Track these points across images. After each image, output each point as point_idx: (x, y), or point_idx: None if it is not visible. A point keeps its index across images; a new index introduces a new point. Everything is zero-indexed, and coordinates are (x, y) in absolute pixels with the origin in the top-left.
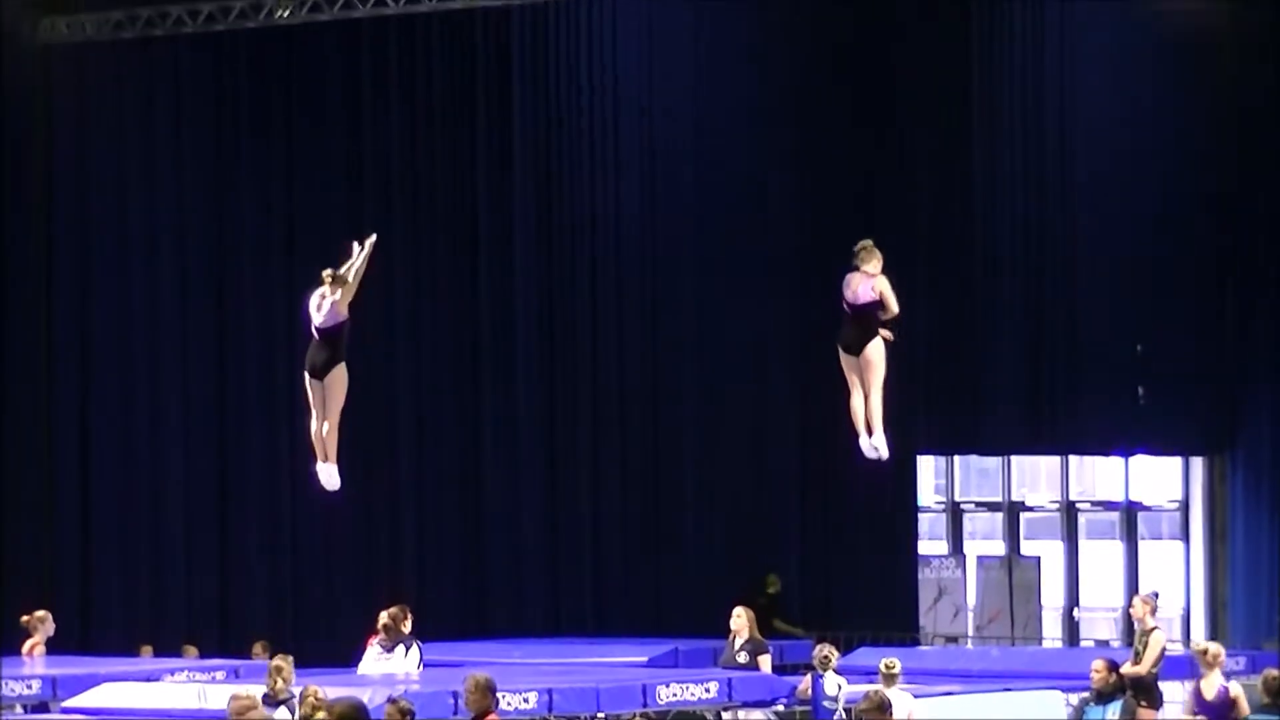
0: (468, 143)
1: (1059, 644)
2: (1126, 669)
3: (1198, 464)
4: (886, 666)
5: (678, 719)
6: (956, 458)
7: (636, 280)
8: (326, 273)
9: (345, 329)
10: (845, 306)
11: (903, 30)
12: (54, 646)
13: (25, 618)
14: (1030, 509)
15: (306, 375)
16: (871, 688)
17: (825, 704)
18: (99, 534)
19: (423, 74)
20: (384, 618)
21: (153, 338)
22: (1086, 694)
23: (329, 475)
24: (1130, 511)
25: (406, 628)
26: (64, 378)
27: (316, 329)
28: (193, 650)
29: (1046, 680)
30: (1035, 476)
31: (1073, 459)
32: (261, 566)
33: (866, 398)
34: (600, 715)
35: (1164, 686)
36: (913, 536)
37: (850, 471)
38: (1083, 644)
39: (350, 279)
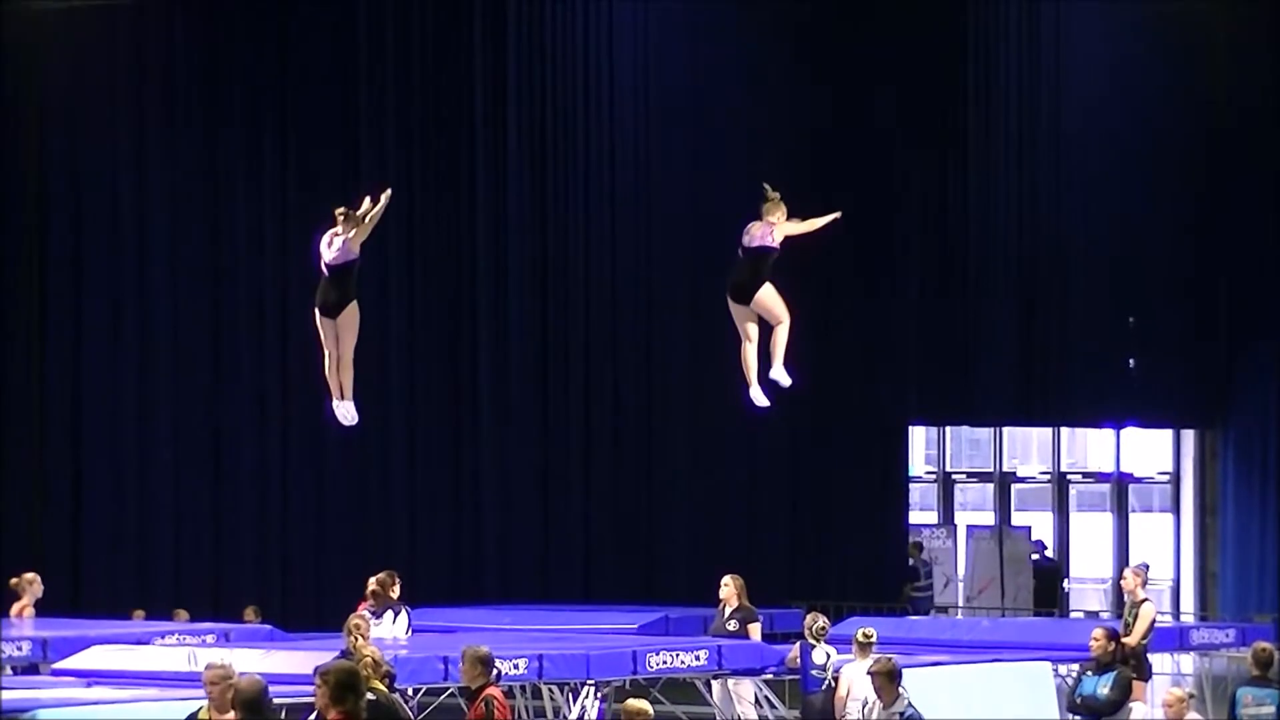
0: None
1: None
2: None
3: (1189, 436)
4: (864, 635)
5: (667, 686)
6: (948, 428)
7: (631, 244)
8: (340, 210)
9: (355, 267)
10: (740, 250)
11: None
12: (42, 609)
13: (14, 580)
14: (1021, 480)
15: (318, 313)
16: (883, 656)
17: (814, 673)
18: (89, 496)
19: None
20: (372, 583)
21: (143, 301)
22: (1085, 663)
23: (346, 412)
24: (1121, 483)
25: (395, 593)
26: (55, 339)
27: (326, 265)
28: (184, 614)
29: (1036, 651)
30: (1026, 447)
31: (1064, 430)
32: (252, 531)
33: (774, 329)
34: (590, 681)
35: (1153, 658)
36: (903, 506)
37: (842, 441)
38: (1072, 615)
39: (365, 221)
